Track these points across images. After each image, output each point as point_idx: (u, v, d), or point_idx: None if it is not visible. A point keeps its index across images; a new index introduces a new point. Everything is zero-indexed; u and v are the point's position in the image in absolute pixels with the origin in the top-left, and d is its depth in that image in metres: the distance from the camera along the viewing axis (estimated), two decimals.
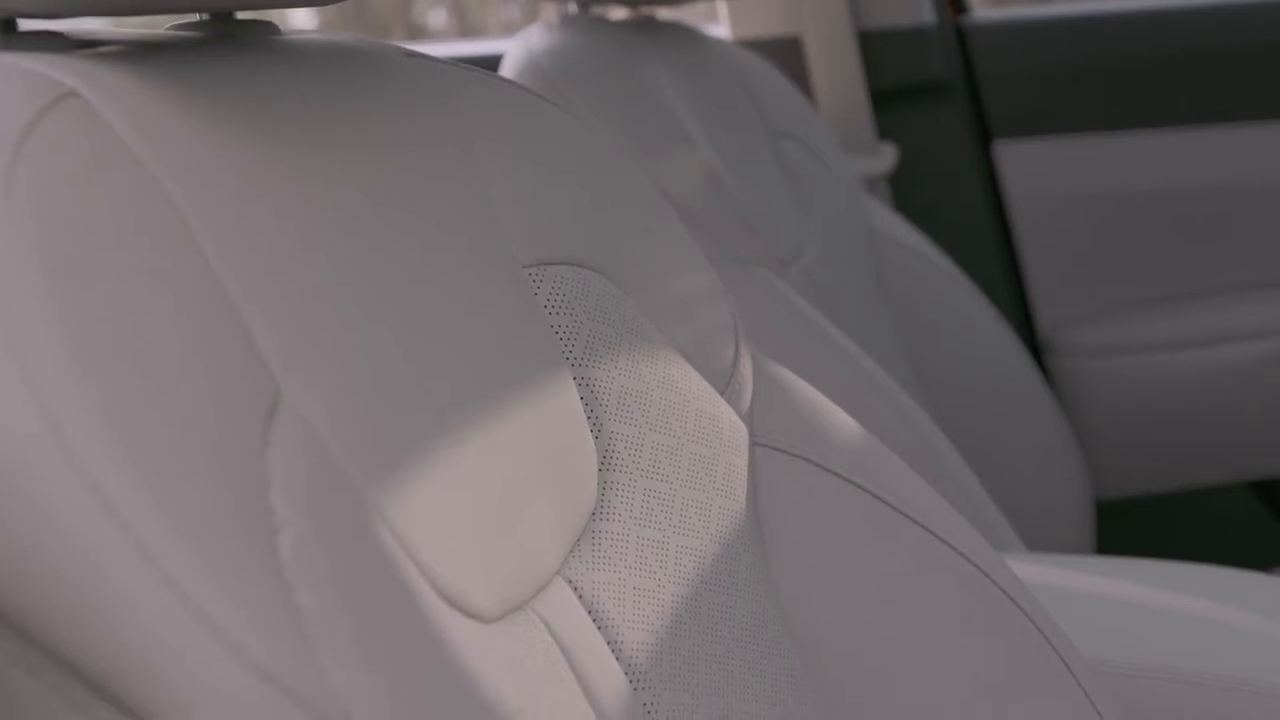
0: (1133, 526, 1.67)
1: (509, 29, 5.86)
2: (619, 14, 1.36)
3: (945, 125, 1.69)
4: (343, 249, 0.52)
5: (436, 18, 6.28)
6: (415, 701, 0.42)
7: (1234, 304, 1.67)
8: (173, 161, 0.47)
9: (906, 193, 1.70)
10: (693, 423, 0.67)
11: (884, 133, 1.70)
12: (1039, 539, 1.50)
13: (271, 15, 0.64)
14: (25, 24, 0.54)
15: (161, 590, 0.36)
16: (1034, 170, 1.70)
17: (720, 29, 1.75)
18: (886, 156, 1.67)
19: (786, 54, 1.69)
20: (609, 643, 0.58)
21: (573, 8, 1.27)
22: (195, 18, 0.61)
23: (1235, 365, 1.64)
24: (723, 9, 1.72)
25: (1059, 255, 1.71)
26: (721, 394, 0.71)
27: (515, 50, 1.18)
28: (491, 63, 1.24)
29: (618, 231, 0.70)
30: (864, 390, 1.11)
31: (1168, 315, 1.68)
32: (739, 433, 0.70)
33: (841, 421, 0.76)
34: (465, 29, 6.01)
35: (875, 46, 1.68)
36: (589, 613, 0.58)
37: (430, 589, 0.48)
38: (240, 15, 0.61)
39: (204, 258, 0.46)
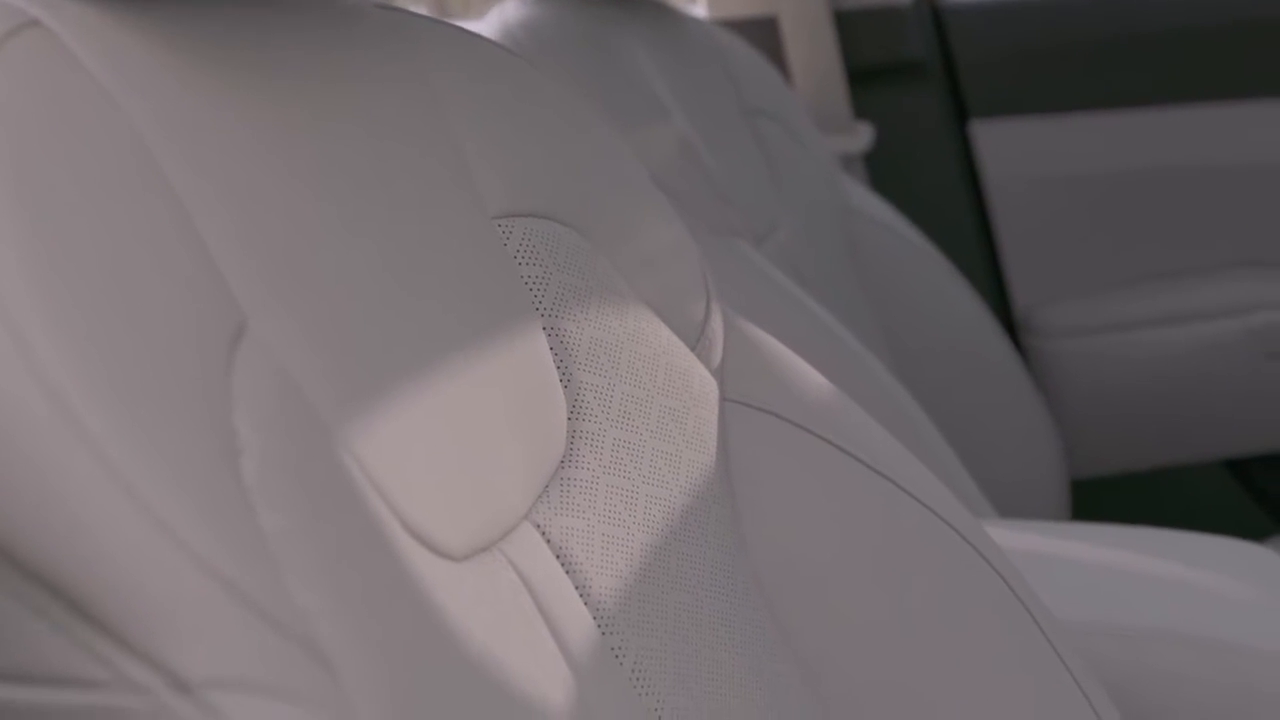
0: (1108, 505, 1.68)
1: None
2: None
3: (921, 105, 1.70)
4: (310, 187, 0.52)
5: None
6: (378, 628, 0.42)
7: (1209, 282, 1.68)
8: (138, 92, 0.47)
9: (883, 172, 1.71)
10: (663, 376, 0.67)
11: (860, 112, 1.70)
12: (1014, 516, 1.50)
13: None
14: None
15: (129, 506, 0.36)
16: (1010, 150, 1.71)
17: (698, 8, 1.75)
18: (863, 136, 1.67)
19: (763, 33, 1.69)
20: (577, 587, 0.58)
21: None
22: None
23: (1210, 343, 1.65)
24: None
25: (1035, 235, 1.71)
26: (692, 349, 0.71)
27: (490, 22, 1.18)
28: None
29: (588, 186, 0.70)
30: (840, 360, 1.11)
31: (1143, 294, 1.69)
32: (709, 388, 0.70)
33: (814, 380, 0.76)
34: None
35: (851, 26, 1.69)
36: (557, 557, 0.58)
37: (396, 522, 0.48)
38: None
39: (169, 187, 0.46)
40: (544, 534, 0.58)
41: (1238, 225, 1.68)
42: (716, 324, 0.74)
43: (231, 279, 0.46)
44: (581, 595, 0.58)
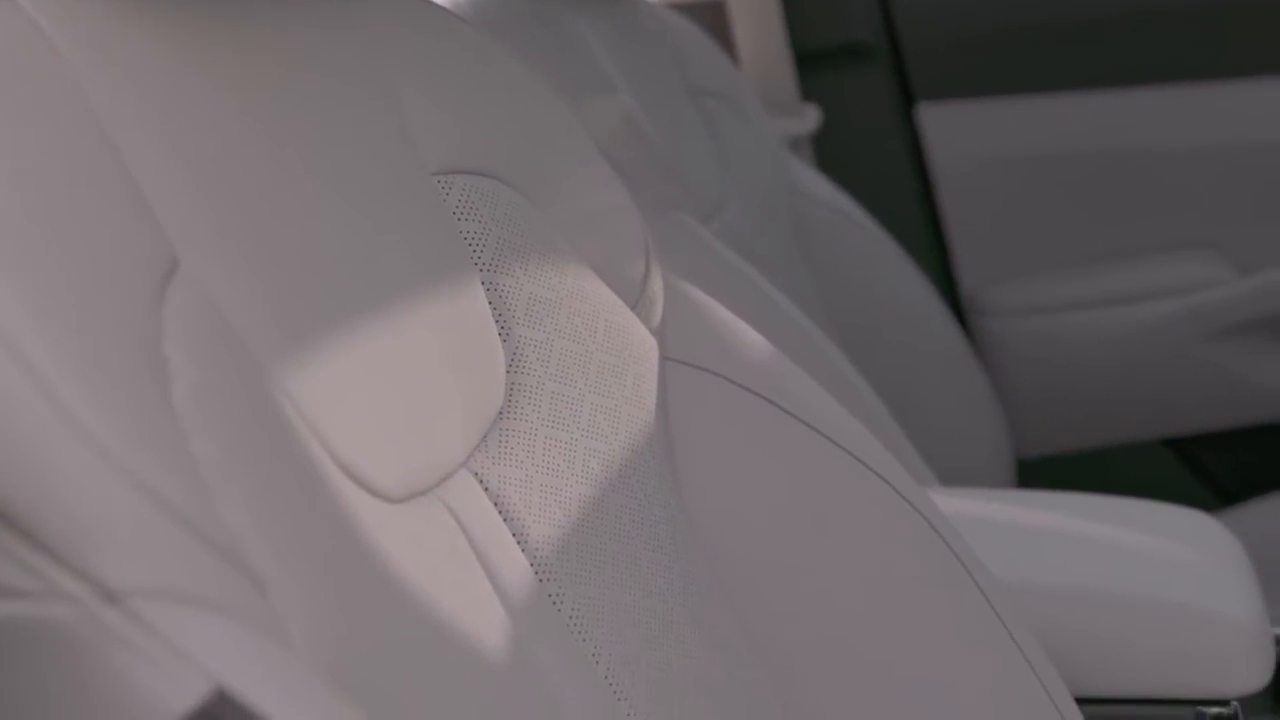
0: (1053, 484, 1.69)
1: None
2: None
3: (868, 87, 1.70)
4: (247, 133, 0.52)
5: None
6: (310, 558, 0.42)
7: (1151, 263, 1.70)
8: (76, 36, 0.47)
9: (830, 154, 1.72)
10: (602, 333, 0.68)
11: (807, 95, 1.71)
12: None
13: None
14: None
15: (59, 422, 0.36)
16: (956, 132, 1.72)
17: None
18: (810, 118, 1.68)
19: (711, 16, 1.69)
20: (514, 535, 0.58)
21: None
22: None
23: (1152, 323, 1.66)
24: None
25: (981, 216, 1.73)
26: (632, 309, 0.72)
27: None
28: None
29: (528, 146, 0.70)
30: (786, 333, 1.12)
31: (1087, 275, 1.71)
32: (649, 346, 0.71)
33: (755, 341, 0.77)
34: None
35: (798, 9, 1.69)
36: (494, 505, 0.58)
37: (330, 461, 0.48)
38: None
39: (102, 129, 0.46)
40: (482, 482, 0.58)
41: (1180, 207, 1.70)
42: (656, 284, 0.74)
43: (163, 218, 0.46)
44: (519, 542, 0.58)
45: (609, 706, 0.58)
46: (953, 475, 1.51)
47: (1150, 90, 1.69)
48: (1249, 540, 1.01)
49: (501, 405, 0.61)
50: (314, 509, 0.44)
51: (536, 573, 0.58)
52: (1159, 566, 0.89)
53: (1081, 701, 0.80)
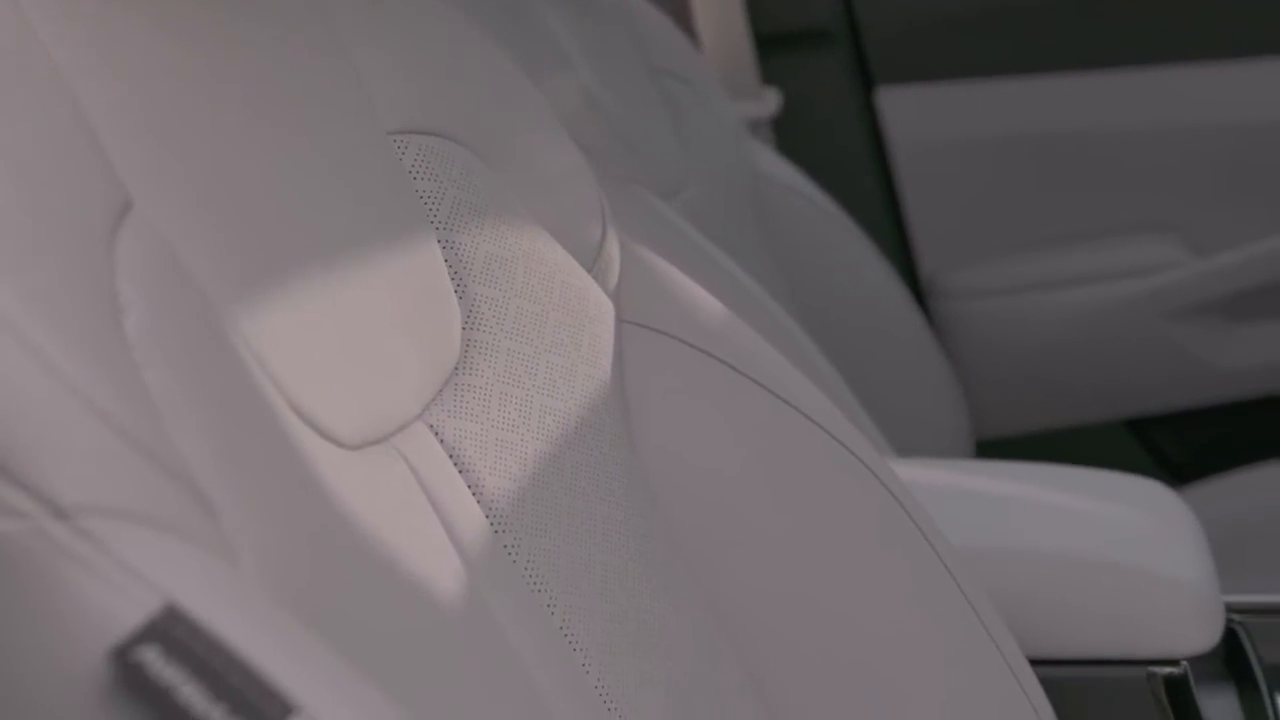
0: None
1: None
2: None
3: (828, 71, 1.71)
4: (201, 81, 0.52)
5: None
6: (262, 491, 0.42)
7: (1110, 245, 1.71)
8: None
9: (790, 137, 1.72)
10: (558, 293, 0.68)
11: (768, 78, 1.72)
12: None
13: None
14: None
15: (12, 342, 0.37)
16: (916, 116, 1.73)
17: None
18: (770, 101, 1.69)
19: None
20: (470, 487, 0.58)
21: None
22: None
23: (1111, 304, 1.68)
24: None
25: (940, 199, 1.74)
26: (588, 271, 0.72)
27: None
28: None
29: (484, 109, 0.70)
30: (747, 306, 1.12)
31: (1046, 257, 1.72)
32: (605, 308, 0.71)
33: (711, 305, 0.77)
34: None
35: None
36: (450, 457, 0.59)
37: (284, 403, 0.48)
38: None
39: (59, 77, 0.46)
40: (437, 434, 0.59)
41: (1138, 190, 1.72)
42: (613, 247, 0.75)
43: (117, 161, 0.46)
44: (475, 494, 0.59)
45: (564, 656, 0.59)
46: (911, 456, 1.52)
47: (1107, 74, 1.71)
48: (1204, 519, 1.02)
49: (457, 361, 0.62)
50: (267, 446, 0.45)
51: (492, 524, 0.59)
52: (1111, 531, 0.90)
53: (1035, 663, 0.81)
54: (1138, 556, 0.87)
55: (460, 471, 0.58)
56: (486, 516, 0.58)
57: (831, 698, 0.73)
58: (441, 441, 0.59)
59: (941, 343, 1.70)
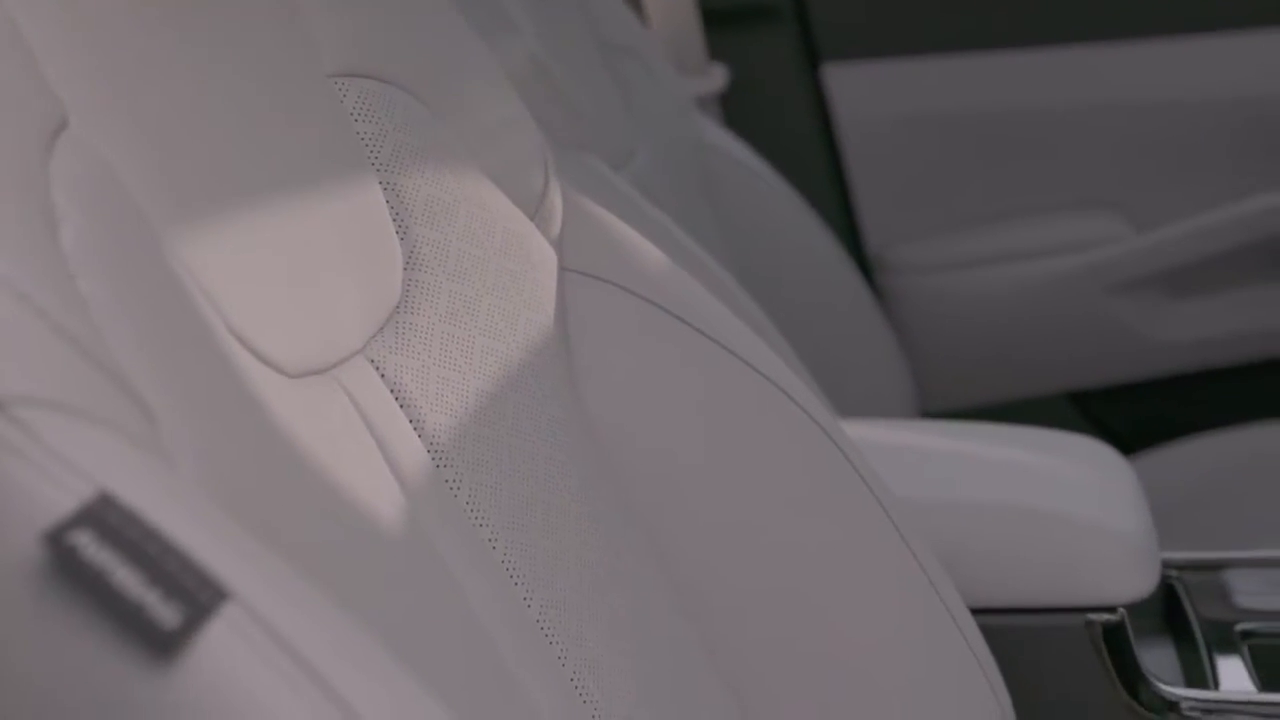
0: None
1: None
2: None
3: (775, 47, 1.72)
4: (143, 23, 0.52)
5: None
6: (200, 404, 0.42)
7: (1052, 221, 1.73)
8: None
9: (737, 114, 1.73)
10: (500, 238, 0.68)
11: (715, 54, 1.72)
12: None
13: None
14: None
15: None
16: (862, 92, 1.74)
17: None
18: (717, 77, 1.69)
19: None
20: (411, 421, 0.59)
21: None
22: None
23: (1053, 279, 1.70)
24: None
25: (886, 175, 1.75)
26: (531, 219, 0.72)
27: None
28: None
29: (427, 56, 0.70)
30: (693, 270, 1.13)
31: (990, 233, 1.73)
32: (547, 255, 0.71)
33: (653, 255, 0.78)
34: None
35: None
36: (391, 392, 0.59)
37: (223, 326, 0.48)
38: None
39: None
40: (379, 369, 0.59)
41: (1080, 166, 1.73)
42: (555, 197, 0.75)
43: (54, 81, 0.46)
44: (416, 429, 0.59)
45: (506, 590, 0.59)
46: None
47: (1050, 52, 1.72)
48: (1145, 489, 1.03)
49: (399, 300, 0.62)
50: (206, 364, 0.45)
51: (434, 459, 0.59)
52: (1049, 482, 0.91)
53: (976, 612, 0.82)
54: (1075, 506, 0.88)
55: (402, 406, 0.59)
56: (428, 451, 0.59)
57: (770, 639, 0.74)
58: (383, 376, 0.59)
59: (887, 317, 1.71)
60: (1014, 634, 0.87)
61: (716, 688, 0.71)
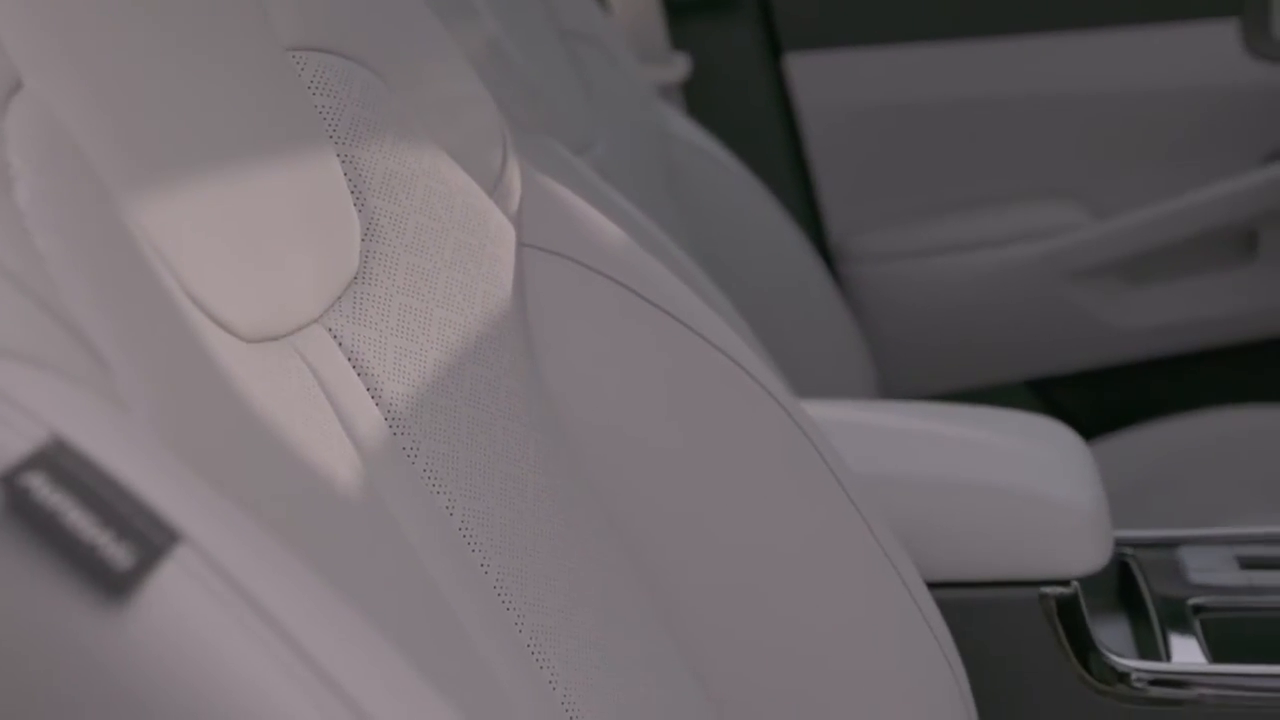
0: None
1: None
2: None
3: (736, 37, 1.73)
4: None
5: None
6: (156, 360, 0.43)
7: (1011, 209, 1.75)
8: None
9: (699, 103, 1.74)
10: (459, 212, 0.69)
11: (677, 44, 1.73)
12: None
13: None
14: None
15: None
16: (824, 82, 1.75)
17: None
18: (679, 67, 1.70)
19: None
20: (368, 389, 0.59)
21: None
22: None
23: (1012, 266, 1.71)
24: None
25: (848, 165, 1.76)
26: (489, 195, 0.73)
27: None
28: None
29: (385, 33, 0.71)
30: (654, 252, 1.13)
31: (950, 221, 1.75)
32: (506, 230, 0.72)
33: (611, 230, 0.78)
34: None
35: None
36: (349, 360, 0.59)
37: (179, 289, 0.49)
38: None
39: None
40: (336, 338, 0.59)
41: (1039, 155, 1.75)
42: (513, 173, 0.75)
43: (7, 41, 0.46)
44: (373, 397, 0.59)
45: (462, 555, 0.59)
46: None
47: (1009, 42, 1.74)
48: (1103, 475, 1.05)
49: (357, 271, 0.62)
50: (162, 323, 0.45)
51: (390, 426, 0.59)
52: (1003, 458, 0.92)
53: (932, 586, 0.83)
54: (1028, 481, 0.89)
55: (359, 375, 0.59)
56: (385, 419, 0.59)
57: (728, 617, 0.74)
58: (340, 345, 0.59)
59: (849, 306, 1.73)
60: (968, 607, 0.88)
61: (677, 659, 0.72)
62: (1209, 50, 1.70)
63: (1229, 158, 1.69)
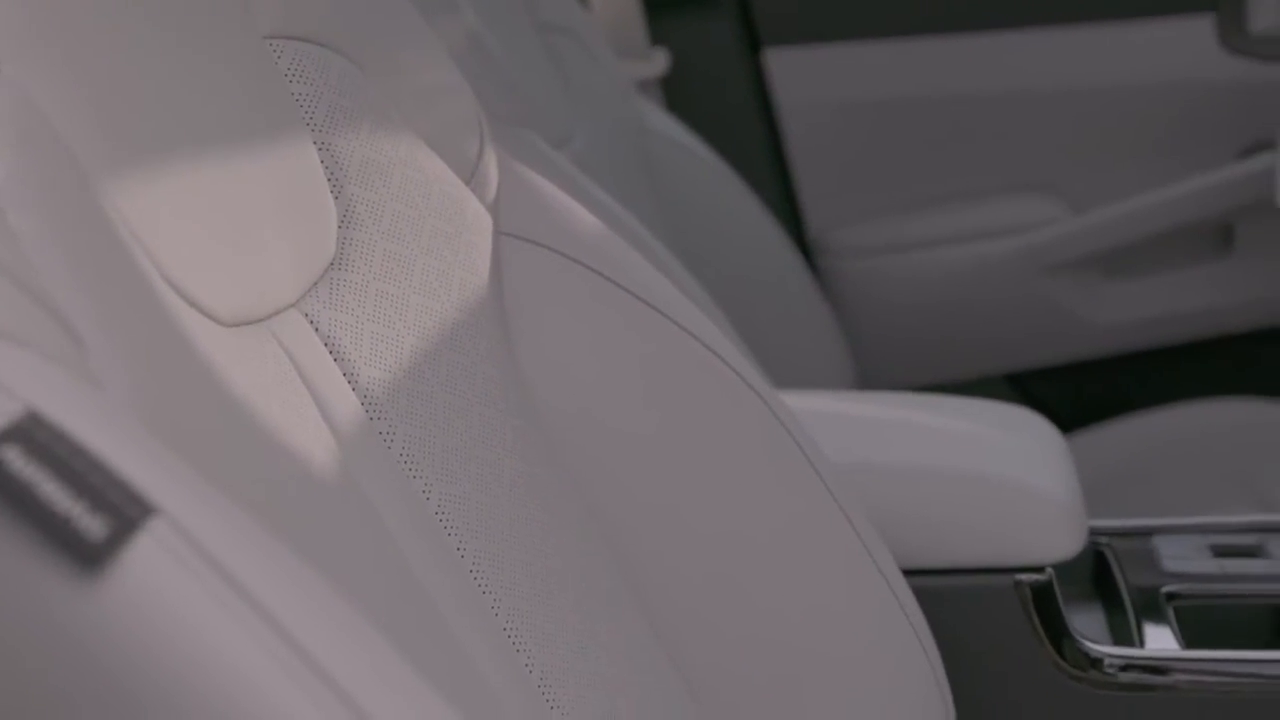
0: None
1: None
2: None
3: (716, 32, 1.73)
4: None
5: None
6: (131, 339, 0.43)
7: (988, 204, 1.76)
8: None
9: (678, 98, 1.74)
10: (436, 200, 0.69)
11: (656, 39, 1.73)
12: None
13: None
14: None
15: None
16: (802, 77, 1.76)
17: None
18: (658, 61, 1.70)
19: None
20: (345, 374, 0.59)
21: None
22: None
23: (990, 261, 1.72)
24: None
25: (827, 159, 1.77)
26: (466, 184, 0.73)
27: None
28: None
29: (363, 22, 0.71)
30: (632, 244, 1.14)
31: (929, 216, 1.76)
32: (482, 218, 0.72)
33: (587, 219, 0.79)
34: None
35: None
36: (325, 345, 0.59)
37: (156, 272, 0.49)
38: None
39: None
40: (313, 323, 0.60)
41: (1017, 149, 1.76)
42: (490, 162, 0.76)
43: None
44: (350, 382, 0.59)
45: (439, 539, 0.60)
46: None
47: (987, 37, 1.75)
48: (1081, 468, 1.05)
49: (334, 257, 0.62)
50: (139, 305, 0.45)
51: (367, 411, 0.59)
52: (979, 447, 0.92)
53: (909, 573, 0.83)
54: (1003, 469, 0.90)
55: (336, 360, 0.59)
56: (361, 404, 0.59)
57: (704, 604, 0.75)
58: (317, 330, 0.59)
59: (828, 300, 1.73)
60: (944, 594, 0.89)
61: (654, 644, 0.72)
62: (1185, 46, 1.71)
63: (1205, 152, 1.70)
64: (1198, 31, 1.70)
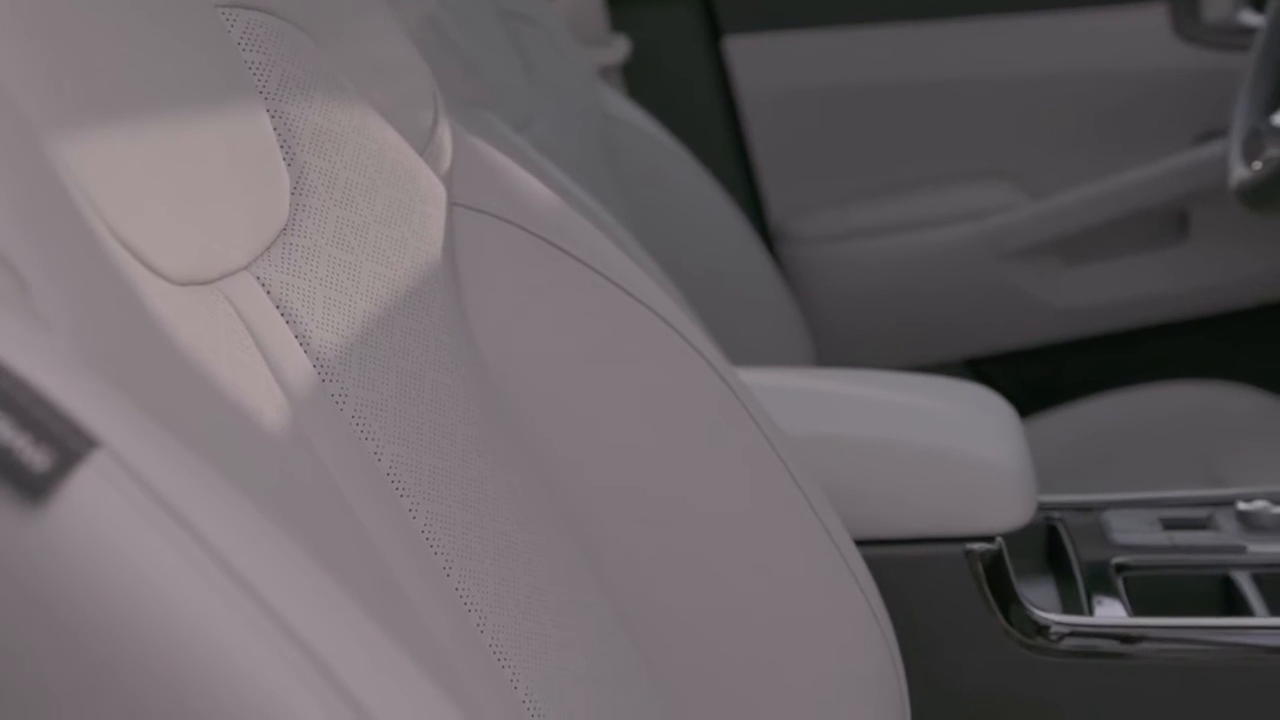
0: None
1: None
2: None
3: (676, 20, 1.74)
4: None
5: None
6: (77, 287, 0.43)
7: (948, 191, 1.77)
8: None
9: (639, 85, 1.75)
10: (389, 170, 0.70)
11: (617, 26, 1.74)
12: None
13: None
14: None
15: None
16: (763, 65, 1.77)
17: None
18: (619, 48, 1.71)
19: None
20: (297, 337, 0.60)
21: None
22: None
23: (949, 247, 1.74)
24: None
25: (787, 146, 1.78)
26: (420, 155, 0.74)
27: None
28: None
29: None
30: (587, 219, 1.14)
31: (889, 202, 1.77)
32: (436, 188, 0.73)
33: (540, 191, 0.79)
34: None
35: None
36: (277, 307, 0.60)
37: (104, 227, 0.49)
38: None
39: None
40: (264, 286, 0.60)
41: (975, 136, 1.77)
42: (444, 133, 0.76)
43: None
44: (301, 344, 0.60)
45: (390, 501, 0.60)
46: None
47: (946, 24, 1.76)
48: (1040, 451, 1.07)
49: (286, 223, 0.63)
50: (86, 256, 0.46)
51: (319, 373, 0.60)
52: (928, 419, 0.94)
53: (861, 544, 0.84)
54: (952, 440, 0.91)
55: (288, 322, 0.60)
56: (314, 366, 0.60)
57: (655, 573, 0.75)
58: (269, 293, 0.60)
59: (789, 287, 1.74)
60: (898, 565, 0.90)
61: (606, 609, 0.73)
62: (1140, 34, 1.73)
63: (1160, 139, 1.72)
64: (1152, 20, 1.72)
